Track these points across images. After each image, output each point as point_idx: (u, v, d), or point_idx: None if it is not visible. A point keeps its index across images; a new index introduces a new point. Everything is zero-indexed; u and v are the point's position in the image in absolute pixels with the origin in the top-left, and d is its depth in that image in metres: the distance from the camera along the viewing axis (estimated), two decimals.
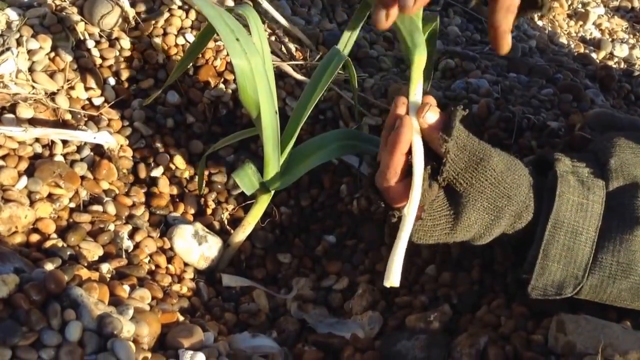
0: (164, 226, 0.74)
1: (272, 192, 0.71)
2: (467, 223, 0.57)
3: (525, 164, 0.59)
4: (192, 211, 0.78)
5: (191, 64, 0.85)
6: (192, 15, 0.87)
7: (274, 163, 0.69)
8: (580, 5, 1.50)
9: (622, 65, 1.31)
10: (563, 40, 1.34)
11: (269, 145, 0.67)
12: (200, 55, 0.85)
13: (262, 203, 0.72)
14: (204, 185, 0.80)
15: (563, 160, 0.59)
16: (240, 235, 0.74)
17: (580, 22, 1.44)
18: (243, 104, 0.67)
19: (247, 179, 0.69)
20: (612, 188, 0.57)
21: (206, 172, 0.82)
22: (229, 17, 0.66)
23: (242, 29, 0.65)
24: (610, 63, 1.28)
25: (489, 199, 0.56)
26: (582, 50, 1.30)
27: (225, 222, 0.79)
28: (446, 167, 0.55)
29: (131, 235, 0.69)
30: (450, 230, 0.57)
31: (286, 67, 0.88)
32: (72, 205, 0.67)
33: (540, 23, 1.37)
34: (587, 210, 0.56)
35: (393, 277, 0.55)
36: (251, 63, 0.65)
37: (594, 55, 1.29)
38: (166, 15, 0.86)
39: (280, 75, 0.88)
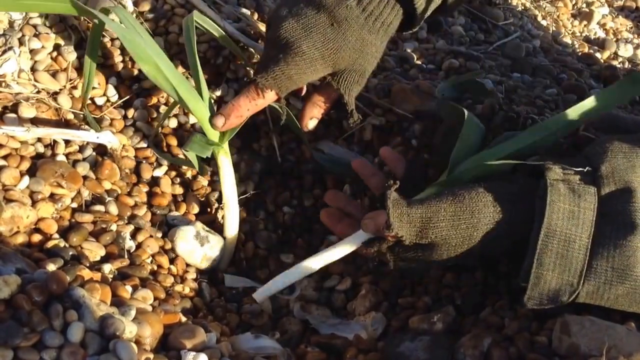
0: (166, 226, 0.74)
1: (227, 149, 0.73)
2: (442, 260, 0.61)
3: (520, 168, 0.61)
4: (194, 211, 0.78)
5: None
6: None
7: (206, 115, 0.71)
8: (584, 5, 1.49)
9: (627, 65, 1.30)
10: (567, 40, 1.33)
11: (192, 102, 0.70)
12: (202, 55, 0.85)
13: (226, 165, 0.73)
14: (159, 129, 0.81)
15: (553, 169, 0.59)
16: (229, 218, 0.74)
17: (585, 22, 1.44)
18: (155, 82, 0.69)
19: (196, 145, 0.71)
20: (604, 194, 0.57)
21: (209, 172, 0.81)
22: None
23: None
24: (615, 63, 1.28)
25: (456, 237, 0.59)
26: (586, 50, 1.30)
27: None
28: (406, 241, 0.60)
29: (133, 236, 0.69)
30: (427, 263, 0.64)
31: None
32: (74, 205, 0.67)
33: (544, 23, 1.37)
34: (579, 218, 0.56)
35: (262, 295, 0.62)
36: (133, 35, 0.68)
37: (598, 55, 1.28)
38: (168, 14, 0.85)
39: None
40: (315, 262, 0.65)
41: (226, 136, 0.73)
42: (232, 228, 0.74)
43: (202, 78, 0.72)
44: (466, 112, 0.73)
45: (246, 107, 0.71)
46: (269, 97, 0.71)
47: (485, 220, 0.59)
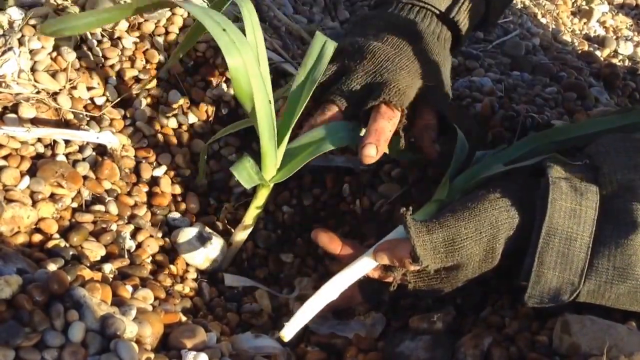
0: (167, 226, 0.74)
1: (271, 186, 0.71)
2: (467, 278, 0.61)
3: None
4: (195, 211, 0.78)
5: (192, 62, 0.84)
6: None
7: (271, 155, 0.68)
8: (584, 3, 1.49)
9: (627, 62, 1.30)
10: (567, 38, 1.33)
11: (266, 137, 0.66)
12: (202, 54, 0.85)
13: (262, 198, 0.72)
14: (204, 176, 0.79)
15: (555, 167, 0.59)
16: (242, 233, 0.74)
17: (584, 20, 1.44)
18: (237, 97, 0.66)
19: (245, 173, 0.68)
20: (605, 192, 0.57)
21: (208, 171, 0.81)
22: (216, 14, 0.65)
23: (230, 24, 0.64)
24: (615, 61, 1.28)
25: (479, 253, 0.59)
26: (586, 48, 1.30)
27: (227, 221, 0.79)
28: (431, 269, 0.59)
29: (133, 235, 0.69)
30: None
31: (288, 67, 0.88)
32: (75, 205, 0.67)
33: (544, 21, 1.37)
34: (580, 216, 0.56)
35: (289, 331, 0.59)
36: (243, 55, 0.64)
37: (598, 53, 1.28)
38: (168, 14, 0.85)
39: (283, 74, 0.88)
40: (333, 289, 0.62)
41: (278, 176, 0.69)
42: (241, 235, 0.74)
43: (298, 113, 0.68)
44: (457, 128, 0.72)
45: (388, 128, 0.68)
46: (398, 114, 0.69)
47: (504, 228, 0.58)
